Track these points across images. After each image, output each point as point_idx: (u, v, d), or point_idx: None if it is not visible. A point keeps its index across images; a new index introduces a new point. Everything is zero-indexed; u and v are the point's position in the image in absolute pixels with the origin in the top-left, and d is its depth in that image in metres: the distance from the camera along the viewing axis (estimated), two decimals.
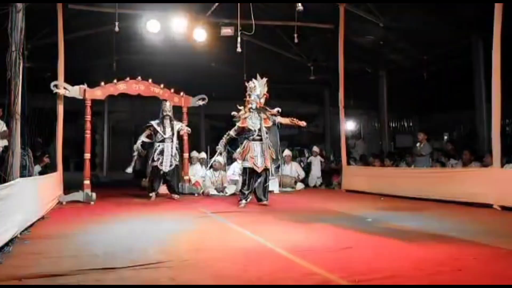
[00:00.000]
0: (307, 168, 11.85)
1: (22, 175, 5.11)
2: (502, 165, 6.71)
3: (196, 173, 10.36)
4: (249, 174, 7.28)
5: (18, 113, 4.83)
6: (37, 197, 5.72)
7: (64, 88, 8.07)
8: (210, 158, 10.46)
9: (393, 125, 17.67)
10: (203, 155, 11.18)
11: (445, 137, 15.47)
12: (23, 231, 4.69)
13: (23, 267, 3.33)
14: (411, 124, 17.86)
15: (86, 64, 12.35)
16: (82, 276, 3.05)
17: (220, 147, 7.62)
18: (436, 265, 3.24)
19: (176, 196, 8.64)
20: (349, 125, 15.90)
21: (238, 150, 7.71)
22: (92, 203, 7.77)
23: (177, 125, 8.77)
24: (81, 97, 8.29)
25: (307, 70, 13.26)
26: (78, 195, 7.93)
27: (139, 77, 8.93)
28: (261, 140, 7.25)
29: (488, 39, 6.92)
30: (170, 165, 8.47)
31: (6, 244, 3.94)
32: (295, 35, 9.12)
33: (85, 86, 8.33)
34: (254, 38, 10.40)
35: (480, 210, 6.42)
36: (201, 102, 9.77)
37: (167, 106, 8.70)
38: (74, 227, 5.28)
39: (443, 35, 10.44)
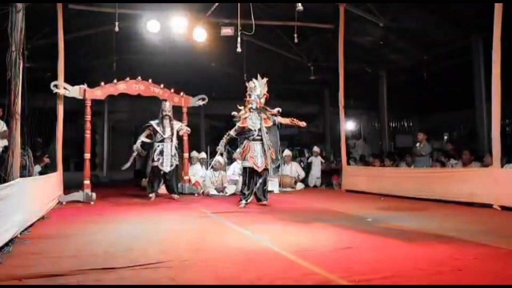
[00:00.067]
0: (307, 168, 11.86)
1: (22, 175, 5.11)
2: (502, 165, 6.72)
3: (196, 173, 10.37)
4: (249, 174, 7.28)
5: (18, 113, 4.84)
6: (37, 197, 5.72)
7: (64, 88, 8.07)
8: (210, 158, 10.46)
9: (393, 125, 17.66)
10: (203, 155, 11.19)
11: (445, 137, 15.45)
12: (23, 231, 4.69)
13: (23, 267, 3.33)
14: (411, 124, 17.84)
15: (86, 64, 12.37)
16: (82, 276, 3.05)
17: (220, 147, 7.61)
18: (436, 265, 3.24)
19: (175, 195, 8.63)
20: (349, 125, 15.87)
21: (238, 150, 7.71)
22: (92, 203, 7.77)
23: (177, 125, 8.76)
24: (81, 97, 8.29)
25: (307, 70, 13.27)
26: (78, 195, 7.93)
27: (139, 77, 8.93)
28: (261, 140, 7.25)
29: (488, 39, 6.92)
30: (171, 165, 8.48)
31: (6, 244, 3.94)
32: (295, 35, 9.14)
33: (85, 86, 8.33)
34: (254, 38, 10.40)
35: (480, 210, 6.42)
36: (201, 102, 9.76)
37: (167, 106, 8.70)
38: (74, 227, 5.29)
39: (443, 35, 10.46)
